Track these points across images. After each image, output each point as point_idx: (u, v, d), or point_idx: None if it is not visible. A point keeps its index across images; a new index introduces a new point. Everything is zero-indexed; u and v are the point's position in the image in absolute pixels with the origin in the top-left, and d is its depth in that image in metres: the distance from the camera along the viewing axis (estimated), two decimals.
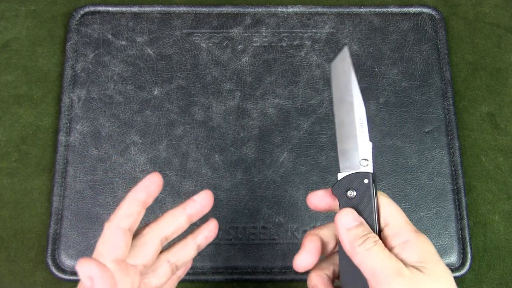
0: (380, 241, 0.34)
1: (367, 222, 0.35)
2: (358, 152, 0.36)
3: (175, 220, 0.38)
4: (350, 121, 0.36)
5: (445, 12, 0.62)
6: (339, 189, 0.36)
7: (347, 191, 0.36)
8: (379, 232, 0.36)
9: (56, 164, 0.54)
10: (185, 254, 0.39)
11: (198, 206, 0.39)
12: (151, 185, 0.37)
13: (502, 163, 0.57)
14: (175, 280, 0.41)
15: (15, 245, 0.53)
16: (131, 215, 0.36)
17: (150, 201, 0.37)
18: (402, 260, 0.33)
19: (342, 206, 0.36)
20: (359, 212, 0.35)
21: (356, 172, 0.36)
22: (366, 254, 0.33)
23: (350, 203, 0.36)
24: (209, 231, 0.40)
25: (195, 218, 0.39)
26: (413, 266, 0.33)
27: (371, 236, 0.34)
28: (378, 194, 0.36)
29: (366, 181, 0.36)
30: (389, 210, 0.36)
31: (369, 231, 0.35)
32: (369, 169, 0.36)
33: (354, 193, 0.36)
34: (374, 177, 0.36)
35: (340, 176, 0.36)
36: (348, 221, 0.35)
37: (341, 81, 0.37)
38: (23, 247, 0.53)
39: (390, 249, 0.34)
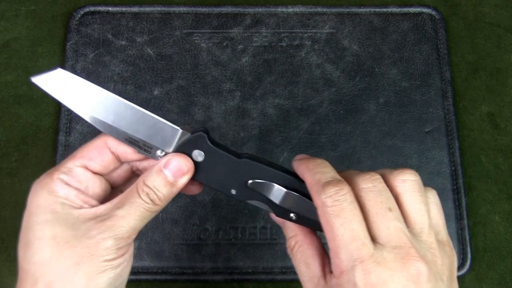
0: (299, 244, 0.33)
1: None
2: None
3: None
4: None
5: (445, 12, 0.62)
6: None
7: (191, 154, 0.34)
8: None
9: (56, 164, 0.54)
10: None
11: None
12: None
13: (502, 163, 0.57)
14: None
15: (15, 245, 0.53)
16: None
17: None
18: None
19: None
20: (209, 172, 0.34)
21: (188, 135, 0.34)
22: (291, 256, 0.34)
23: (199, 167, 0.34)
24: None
25: None
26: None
27: (291, 238, 0.34)
28: (318, 204, 0.32)
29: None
30: (327, 233, 0.31)
31: (289, 236, 0.34)
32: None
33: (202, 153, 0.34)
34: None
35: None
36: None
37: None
38: None
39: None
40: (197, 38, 0.59)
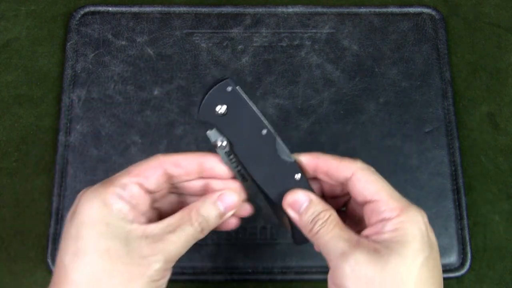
0: (331, 218, 0.34)
1: (254, 124, 0.34)
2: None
3: (185, 161, 0.36)
4: None
5: (445, 12, 0.62)
6: (205, 112, 0.34)
7: (214, 109, 0.34)
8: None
9: (56, 164, 0.54)
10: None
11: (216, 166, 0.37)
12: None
13: (502, 163, 0.57)
14: None
15: (15, 245, 0.53)
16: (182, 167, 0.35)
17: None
18: (372, 239, 0.33)
19: (218, 128, 0.35)
20: (237, 124, 0.34)
21: (214, 87, 0.34)
22: (316, 237, 0.34)
23: (226, 121, 0.34)
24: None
25: (208, 173, 0.37)
26: (379, 244, 0.32)
27: (320, 218, 0.34)
28: (356, 169, 0.35)
29: (229, 88, 0.34)
30: (371, 188, 0.34)
31: (320, 210, 0.35)
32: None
33: (224, 106, 0.34)
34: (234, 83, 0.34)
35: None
36: (297, 204, 0.36)
37: None
38: (23, 247, 0.53)
39: (368, 226, 0.34)
40: (197, 38, 0.59)
